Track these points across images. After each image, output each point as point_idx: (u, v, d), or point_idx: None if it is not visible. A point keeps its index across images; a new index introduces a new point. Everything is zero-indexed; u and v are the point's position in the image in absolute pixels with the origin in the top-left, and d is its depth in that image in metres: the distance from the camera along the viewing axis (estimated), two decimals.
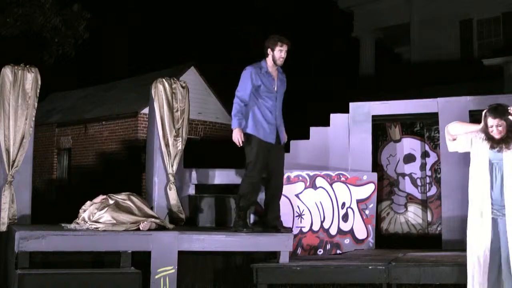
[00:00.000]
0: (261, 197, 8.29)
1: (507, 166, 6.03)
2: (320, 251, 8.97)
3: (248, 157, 7.66)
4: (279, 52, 7.62)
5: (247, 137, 7.58)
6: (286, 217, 8.74)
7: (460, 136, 6.30)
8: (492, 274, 6.08)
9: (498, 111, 6.05)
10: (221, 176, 9.30)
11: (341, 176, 9.27)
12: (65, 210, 8.54)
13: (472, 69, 19.75)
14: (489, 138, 6.10)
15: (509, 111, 6.04)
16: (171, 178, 8.59)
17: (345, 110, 10.26)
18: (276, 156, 7.76)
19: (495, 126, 6.04)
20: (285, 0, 30.69)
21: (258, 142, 7.57)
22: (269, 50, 7.67)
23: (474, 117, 9.60)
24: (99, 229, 7.18)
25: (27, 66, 8.08)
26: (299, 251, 8.75)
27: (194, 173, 9.22)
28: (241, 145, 7.52)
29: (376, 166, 10.17)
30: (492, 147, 6.08)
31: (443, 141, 9.78)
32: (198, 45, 30.78)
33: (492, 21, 20.80)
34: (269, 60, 7.70)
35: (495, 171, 6.12)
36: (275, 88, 7.70)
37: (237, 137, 7.48)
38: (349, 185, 9.28)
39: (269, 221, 7.89)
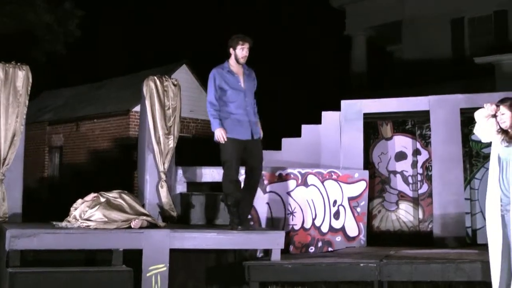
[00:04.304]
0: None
1: None
2: (312, 249, 8.98)
3: (223, 156, 7.71)
4: (240, 51, 7.75)
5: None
6: (277, 215, 8.76)
7: (482, 122, 6.30)
8: (504, 270, 6.12)
9: (502, 100, 6.20)
10: (213, 174, 9.28)
11: (332, 174, 9.29)
12: (57, 208, 8.52)
13: (463, 67, 19.78)
14: (500, 131, 6.16)
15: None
16: (163, 176, 8.58)
17: (337, 108, 10.28)
18: (252, 152, 7.78)
19: (500, 114, 6.13)
20: None
21: (232, 142, 7.62)
22: (231, 50, 7.82)
23: (465, 115, 9.66)
24: (91, 227, 7.16)
25: (18, 64, 8.04)
26: (291, 248, 8.76)
27: (186, 171, 9.21)
28: (225, 141, 7.60)
29: (368, 164, 10.19)
30: (502, 142, 6.12)
31: (434, 138, 9.82)
32: (190, 43, 30.75)
33: (484, 20, 20.83)
34: (231, 59, 7.84)
35: (504, 167, 6.14)
36: (242, 85, 7.77)
37: (220, 135, 7.56)
38: (340, 183, 9.30)
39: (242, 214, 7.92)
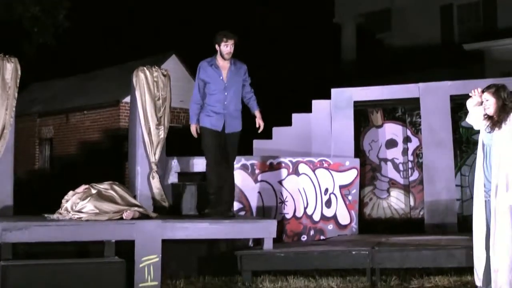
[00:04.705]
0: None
1: (494, 146, 6.11)
2: (304, 237, 9.00)
3: (202, 146, 8.13)
4: (225, 47, 8.02)
5: (201, 129, 8.10)
6: (269, 204, 8.78)
7: (473, 111, 6.37)
8: (487, 254, 6.18)
9: (488, 86, 6.27)
10: (204, 164, 9.28)
11: (323, 162, 9.30)
12: (48, 200, 8.50)
13: (453, 54, 19.83)
14: (486, 117, 6.23)
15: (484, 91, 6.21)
16: (154, 167, 8.57)
17: (327, 96, 10.28)
18: (223, 143, 8.09)
19: (484, 100, 6.20)
20: None
21: (208, 132, 8.04)
22: (216, 46, 8.09)
23: (455, 101, 9.68)
24: (82, 219, 7.15)
25: (7, 56, 8.00)
26: (283, 237, 8.78)
27: (176, 161, 9.20)
28: (197, 137, 8.10)
29: (359, 151, 10.21)
30: (486, 128, 6.19)
31: (424, 126, 9.85)
32: (179, 33, 30.64)
33: (472, 6, 20.86)
34: (218, 55, 8.11)
35: (487, 153, 6.20)
36: (224, 79, 8.04)
37: (193, 130, 8.12)
38: (331, 171, 9.32)
39: (220, 206, 8.16)
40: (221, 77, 8.02)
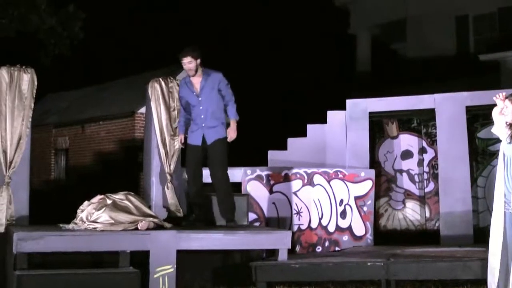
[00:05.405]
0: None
1: None
2: (319, 248, 8.98)
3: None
4: (184, 66, 8.22)
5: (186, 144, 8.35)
6: (283, 215, 8.76)
7: (497, 120, 6.36)
8: (503, 267, 6.13)
9: (510, 93, 6.29)
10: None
11: (338, 173, 9.29)
12: (63, 210, 8.53)
13: (468, 64, 19.75)
14: (508, 125, 6.20)
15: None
16: (169, 177, 8.57)
17: (342, 107, 10.28)
18: (209, 157, 8.21)
19: (505, 107, 6.22)
20: None
21: (189, 149, 8.25)
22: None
23: (471, 112, 9.64)
24: (97, 229, 7.16)
25: (23, 67, 8.05)
26: (297, 248, 8.76)
27: None
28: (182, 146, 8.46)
29: (374, 162, 10.18)
30: (507, 138, 6.16)
31: (440, 136, 9.81)
32: (194, 43, 30.72)
33: (488, 17, 20.79)
34: None
35: (508, 164, 6.16)
36: (197, 93, 8.15)
37: (180, 140, 8.47)
38: (346, 182, 9.30)
39: (220, 213, 8.31)
40: (194, 93, 8.15)
